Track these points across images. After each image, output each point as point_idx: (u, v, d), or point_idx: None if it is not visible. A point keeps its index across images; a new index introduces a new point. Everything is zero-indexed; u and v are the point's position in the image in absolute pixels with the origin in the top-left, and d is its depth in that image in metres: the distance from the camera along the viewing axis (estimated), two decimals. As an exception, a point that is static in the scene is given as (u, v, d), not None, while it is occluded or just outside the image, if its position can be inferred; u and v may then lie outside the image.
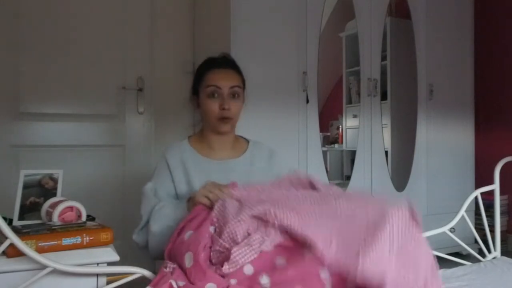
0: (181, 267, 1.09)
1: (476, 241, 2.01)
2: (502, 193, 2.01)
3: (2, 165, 2.43)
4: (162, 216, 1.33)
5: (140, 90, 2.75)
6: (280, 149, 1.67)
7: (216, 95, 1.44)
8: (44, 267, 1.06)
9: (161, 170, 1.46)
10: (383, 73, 2.92)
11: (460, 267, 1.59)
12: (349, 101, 3.13)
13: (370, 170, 2.81)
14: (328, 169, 2.86)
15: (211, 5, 2.66)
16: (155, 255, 1.35)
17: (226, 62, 1.52)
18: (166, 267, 1.13)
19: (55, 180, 1.41)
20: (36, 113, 2.53)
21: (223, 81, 1.45)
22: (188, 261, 1.07)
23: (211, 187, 1.25)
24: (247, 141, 1.61)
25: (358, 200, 1.16)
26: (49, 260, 1.06)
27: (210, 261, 1.08)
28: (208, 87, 1.44)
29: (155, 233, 1.32)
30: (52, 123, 2.57)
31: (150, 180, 1.47)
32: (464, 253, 2.67)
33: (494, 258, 1.76)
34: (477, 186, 2.87)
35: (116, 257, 1.16)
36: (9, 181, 2.00)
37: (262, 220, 1.09)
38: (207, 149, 1.51)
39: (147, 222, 1.37)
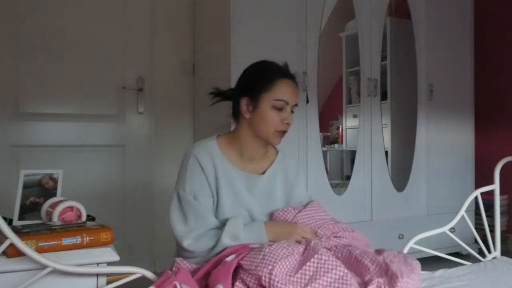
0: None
1: (476, 241, 2.01)
2: (502, 193, 2.01)
3: (2, 165, 2.43)
4: (236, 236, 1.29)
5: (140, 90, 2.75)
6: (292, 156, 1.66)
7: (282, 108, 1.41)
8: (44, 267, 1.06)
9: (195, 172, 1.37)
10: (383, 73, 2.92)
11: (460, 267, 1.59)
12: (349, 101, 3.13)
13: (370, 170, 2.81)
14: (328, 169, 2.86)
15: (211, 5, 2.66)
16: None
17: (293, 77, 1.46)
18: (173, 267, 1.15)
19: (55, 180, 1.41)
20: (36, 113, 2.54)
21: (291, 98, 1.42)
22: (229, 258, 1.14)
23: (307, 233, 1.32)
24: (276, 151, 1.57)
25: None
26: (49, 260, 1.06)
27: None
28: (278, 100, 1.39)
29: (224, 245, 1.27)
30: (52, 123, 2.57)
31: (181, 182, 1.37)
32: (464, 253, 2.68)
33: (494, 258, 1.76)
34: (477, 186, 2.88)
35: (116, 257, 1.16)
36: (9, 181, 2.00)
37: None
38: (236, 156, 1.44)
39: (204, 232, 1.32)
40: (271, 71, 1.43)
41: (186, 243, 1.28)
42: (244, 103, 1.41)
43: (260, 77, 1.41)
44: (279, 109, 1.39)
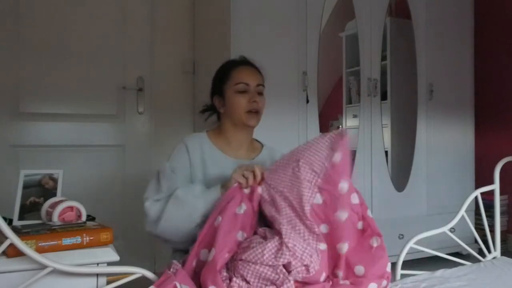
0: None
1: (476, 241, 2.01)
2: (502, 193, 2.01)
3: (2, 165, 2.43)
4: (191, 193, 1.33)
5: (140, 90, 2.75)
6: (280, 149, 1.67)
7: (245, 91, 1.51)
8: (44, 267, 1.06)
9: (179, 153, 1.47)
10: (383, 73, 2.92)
11: (460, 267, 1.59)
12: (349, 101, 3.12)
13: (370, 170, 2.81)
14: (328, 169, 2.85)
15: (211, 5, 2.66)
16: (168, 227, 1.33)
17: (249, 62, 1.59)
18: (170, 268, 1.15)
19: (55, 180, 1.41)
20: (36, 113, 2.53)
21: (250, 78, 1.52)
22: (210, 255, 1.13)
23: (246, 169, 1.31)
24: (262, 145, 1.65)
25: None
26: (49, 260, 1.06)
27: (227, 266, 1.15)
28: (237, 84, 1.50)
29: (179, 197, 1.31)
30: (52, 123, 2.57)
31: (167, 161, 1.46)
32: (464, 253, 2.67)
33: (494, 258, 1.76)
34: (477, 186, 2.87)
35: (116, 257, 1.16)
36: (9, 181, 2.00)
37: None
38: (224, 145, 1.53)
39: (164, 197, 1.37)
40: (227, 66, 1.59)
41: (146, 204, 1.38)
42: (216, 101, 1.57)
43: (220, 74, 1.58)
44: (243, 92, 1.50)
